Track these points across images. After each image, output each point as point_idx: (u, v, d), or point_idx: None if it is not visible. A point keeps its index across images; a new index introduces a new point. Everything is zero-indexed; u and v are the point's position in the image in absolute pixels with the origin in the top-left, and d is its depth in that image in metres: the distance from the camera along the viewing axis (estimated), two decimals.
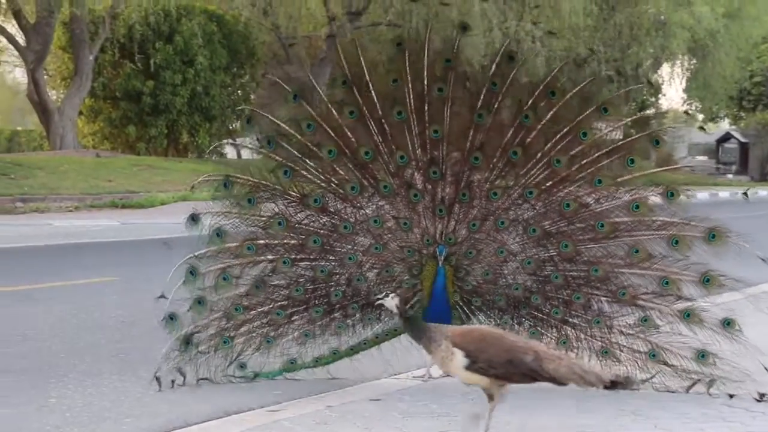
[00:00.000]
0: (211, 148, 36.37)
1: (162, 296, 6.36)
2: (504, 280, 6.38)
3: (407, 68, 6.40)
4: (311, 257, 6.41)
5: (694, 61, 49.49)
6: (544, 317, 6.32)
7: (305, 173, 6.46)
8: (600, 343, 6.25)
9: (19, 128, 52.61)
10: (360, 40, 6.69)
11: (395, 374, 6.69)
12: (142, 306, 9.67)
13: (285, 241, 6.40)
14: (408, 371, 6.74)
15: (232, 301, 6.38)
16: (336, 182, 6.44)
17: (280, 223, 6.40)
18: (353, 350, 6.57)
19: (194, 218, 6.46)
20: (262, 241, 6.40)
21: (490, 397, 4.95)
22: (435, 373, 6.49)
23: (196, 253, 6.34)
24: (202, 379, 6.41)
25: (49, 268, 12.74)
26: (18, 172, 26.06)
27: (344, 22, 33.76)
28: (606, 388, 4.86)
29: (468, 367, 4.89)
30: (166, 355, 6.35)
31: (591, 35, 39.09)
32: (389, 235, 6.41)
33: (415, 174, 6.42)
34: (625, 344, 6.23)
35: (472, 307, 6.39)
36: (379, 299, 5.17)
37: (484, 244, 6.36)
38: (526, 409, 5.66)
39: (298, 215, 6.43)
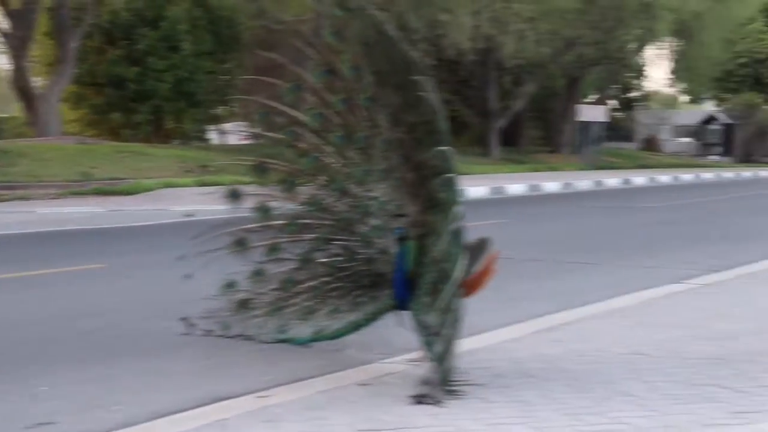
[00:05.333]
0: (194, 133, 36.33)
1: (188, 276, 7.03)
2: None
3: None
4: (340, 237, 6.79)
5: (680, 42, 49.51)
6: None
7: (326, 159, 6.76)
8: None
9: (2, 115, 52.36)
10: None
11: (383, 359, 6.70)
12: (130, 293, 9.73)
13: (322, 221, 6.83)
14: (397, 355, 6.74)
15: (288, 275, 6.94)
16: (349, 166, 6.69)
17: (314, 205, 6.82)
18: (355, 325, 6.85)
19: (235, 194, 7.04)
20: (304, 221, 6.89)
21: None
22: None
23: (244, 227, 6.95)
24: (240, 335, 7.14)
25: (36, 256, 12.71)
26: (2, 159, 25.94)
27: (331, 5, 33.65)
28: None
29: None
30: (214, 313, 7.14)
31: (576, 18, 39.01)
32: (386, 217, 6.58)
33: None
34: None
35: None
36: None
37: None
38: (526, 404, 5.69)
39: (329, 198, 6.79)
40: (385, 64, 6.24)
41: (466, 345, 6.36)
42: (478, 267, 6.35)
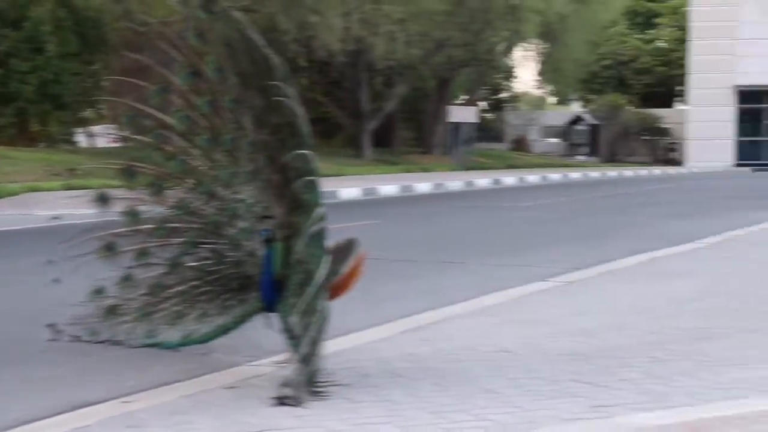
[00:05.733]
0: (60, 136, 35.59)
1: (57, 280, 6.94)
2: None
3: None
4: (209, 240, 6.72)
5: (546, 44, 50.49)
6: None
7: (193, 162, 6.69)
8: None
9: None
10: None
11: (251, 361, 6.68)
12: None
13: (190, 225, 6.75)
14: (265, 357, 6.73)
15: (156, 280, 6.84)
16: (216, 169, 6.63)
17: (183, 208, 6.74)
18: (224, 328, 6.80)
19: (103, 198, 6.92)
20: (172, 225, 6.80)
21: None
22: None
23: (113, 231, 6.85)
24: (108, 341, 7.02)
25: None
26: None
27: (194, 8, 33.32)
28: None
29: None
30: (82, 319, 7.01)
31: (446, 20, 39.45)
32: (254, 219, 6.55)
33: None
34: None
35: None
36: None
37: None
38: (393, 404, 5.74)
39: (197, 202, 6.71)
40: (248, 65, 6.22)
41: (333, 346, 6.39)
42: (346, 268, 6.39)
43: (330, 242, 6.22)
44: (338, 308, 6.26)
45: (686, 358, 6.62)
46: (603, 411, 5.35)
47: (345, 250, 6.49)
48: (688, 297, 9.34)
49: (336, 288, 6.28)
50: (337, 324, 6.35)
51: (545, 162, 51.97)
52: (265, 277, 6.35)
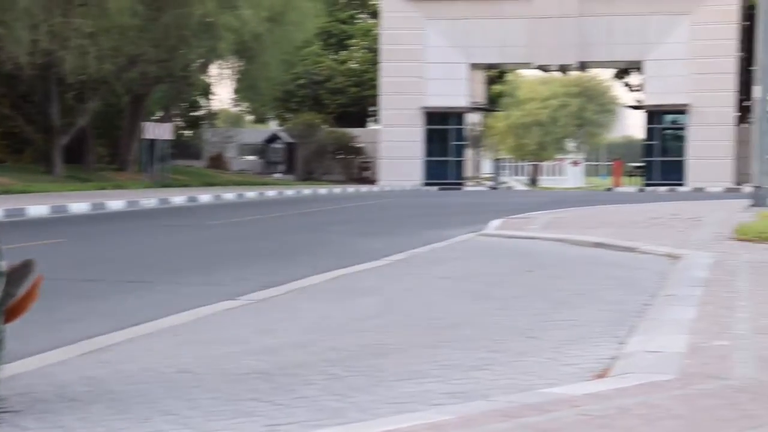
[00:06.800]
0: None
1: None
2: None
3: None
4: None
5: (242, 62, 50.75)
6: None
7: None
8: None
9: None
10: None
11: None
12: None
13: None
14: None
15: None
16: None
17: None
18: None
19: None
20: None
21: None
22: None
23: None
24: None
25: None
26: None
27: None
28: None
29: None
30: None
31: (138, 35, 38.92)
32: None
33: None
34: None
35: None
36: None
37: None
38: (65, 429, 5.59)
39: None
40: None
41: (6, 371, 6.16)
42: (22, 290, 6.18)
43: (6, 263, 6.01)
44: (14, 332, 6.04)
45: (363, 373, 6.81)
46: (279, 429, 5.41)
47: (21, 271, 6.28)
48: (370, 314, 9.61)
49: (12, 311, 6.07)
50: (12, 348, 6.13)
51: (242, 179, 52.17)
52: None
